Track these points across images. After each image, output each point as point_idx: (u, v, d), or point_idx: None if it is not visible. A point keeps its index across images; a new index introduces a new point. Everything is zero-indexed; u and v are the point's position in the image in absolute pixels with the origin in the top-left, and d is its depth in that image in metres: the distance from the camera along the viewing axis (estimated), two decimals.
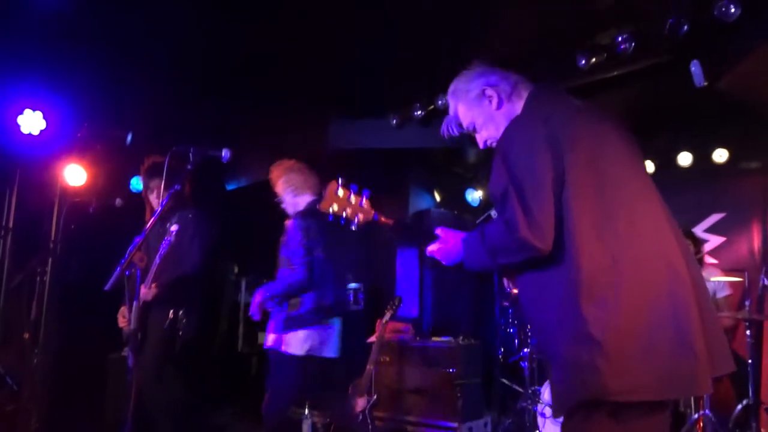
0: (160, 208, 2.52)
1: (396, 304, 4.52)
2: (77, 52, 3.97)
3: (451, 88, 2.02)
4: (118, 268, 2.36)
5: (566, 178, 1.64)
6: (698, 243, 4.53)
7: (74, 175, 4.76)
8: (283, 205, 3.81)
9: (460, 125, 2.03)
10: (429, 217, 6.28)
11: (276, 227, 6.65)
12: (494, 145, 1.93)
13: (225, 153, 2.78)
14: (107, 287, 2.37)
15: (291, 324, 3.44)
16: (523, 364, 4.48)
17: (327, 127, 5.64)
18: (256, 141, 5.23)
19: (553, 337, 1.63)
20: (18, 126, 4.28)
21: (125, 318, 3.62)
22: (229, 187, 6.50)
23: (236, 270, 6.04)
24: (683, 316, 1.59)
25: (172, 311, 3.47)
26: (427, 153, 5.58)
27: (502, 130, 1.85)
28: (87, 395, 4.62)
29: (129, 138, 4.75)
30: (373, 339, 4.49)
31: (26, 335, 4.60)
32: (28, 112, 4.30)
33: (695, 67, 3.81)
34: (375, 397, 4.25)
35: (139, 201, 4.70)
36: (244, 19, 3.76)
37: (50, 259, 4.69)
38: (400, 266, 6.38)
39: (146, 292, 3.41)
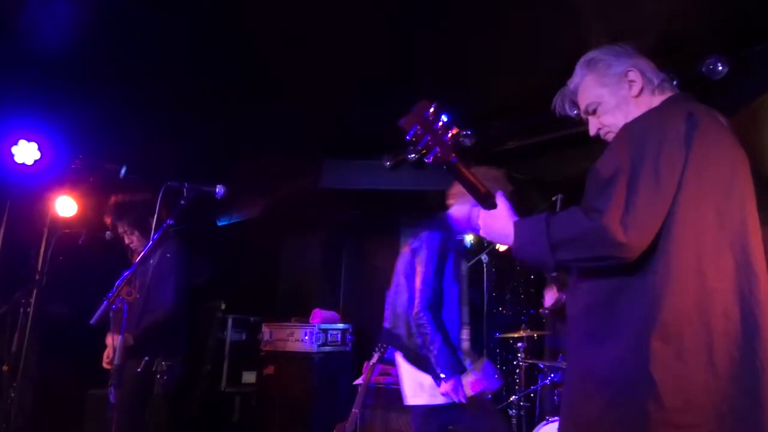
0: (151, 242, 2.51)
1: (384, 346, 4.47)
2: (75, 85, 4.01)
3: (588, 56, 1.73)
4: (105, 302, 2.33)
5: (685, 188, 1.39)
6: None
7: (65, 206, 4.74)
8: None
9: (575, 104, 1.76)
10: None
11: (265, 265, 6.64)
12: (608, 135, 1.70)
13: (219, 189, 2.79)
14: (93, 321, 2.33)
15: None
16: (511, 412, 4.42)
17: (320, 166, 5.68)
18: (248, 178, 5.25)
19: (607, 363, 1.42)
20: (12, 155, 4.28)
21: (109, 359, 3.57)
22: (220, 223, 6.49)
23: (223, 307, 5.97)
24: (759, 393, 1.36)
25: (146, 358, 3.35)
26: (420, 195, 5.61)
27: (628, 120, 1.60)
28: (65, 430, 4.50)
29: (123, 171, 4.75)
30: (359, 381, 4.42)
31: (5, 367, 4.49)
32: (23, 142, 4.31)
33: None
34: None
35: None
36: (240, 57, 3.82)
37: (35, 291, 4.61)
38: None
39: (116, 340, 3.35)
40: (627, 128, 1.51)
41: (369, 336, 5.73)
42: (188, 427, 5.02)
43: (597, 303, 1.47)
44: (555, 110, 1.82)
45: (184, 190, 2.67)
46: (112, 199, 3.60)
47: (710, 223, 1.42)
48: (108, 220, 3.70)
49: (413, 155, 5.14)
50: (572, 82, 1.76)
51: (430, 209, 6.49)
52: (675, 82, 3.56)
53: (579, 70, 1.75)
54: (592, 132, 1.74)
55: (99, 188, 4.92)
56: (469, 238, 6.37)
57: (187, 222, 2.95)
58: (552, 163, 4.91)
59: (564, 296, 1.77)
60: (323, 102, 4.41)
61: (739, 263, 1.43)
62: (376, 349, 4.45)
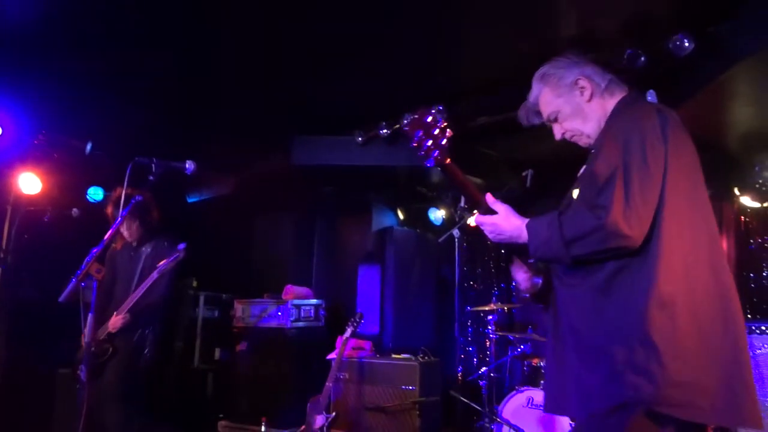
0: (120, 219, 2.48)
1: (357, 320, 4.52)
2: (37, 59, 3.89)
3: (541, 71, 1.93)
4: (74, 279, 2.30)
5: (668, 177, 1.60)
6: None
7: (29, 183, 4.62)
8: None
9: (539, 113, 1.96)
10: (392, 235, 6.32)
11: (236, 242, 6.60)
12: (573, 138, 1.91)
13: (189, 165, 2.76)
14: (62, 299, 2.31)
15: None
16: (482, 383, 4.52)
17: (291, 142, 5.63)
18: (218, 155, 5.19)
19: (606, 334, 1.58)
20: None
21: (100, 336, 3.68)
22: (191, 200, 6.42)
23: (195, 284, 5.94)
24: (741, 350, 1.59)
25: (138, 332, 3.64)
26: (391, 172, 5.62)
27: (587, 126, 1.85)
28: (35, 410, 4.46)
29: (89, 148, 4.65)
30: (333, 356, 4.47)
31: None
32: None
33: (651, 97, 3.95)
34: (333, 414, 4.22)
35: (95, 211, 4.60)
36: (209, 33, 3.75)
37: (1, 270, 4.52)
38: (362, 283, 6.38)
39: (116, 320, 3.60)
40: (611, 131, 1.72)
41: (342, 311, 5.78)
42: (161, 404, 5.02)
43: (597, 283, 1.63)
44: (522, 121, 2.02)
45: (153, 165, 2.64)
46: (117, 191, 3.72)
47: (688, 207, 1.64)
48: (109, 210, 3.83)
49: (385, 131, 5.13)
50: (532, 96, 1.96)
51: (400, 186, 6.54)
52: (641, 60, 3.61)
53: (535, 84, 1.95)
54: (557, 137, 1.95)
55: (63, 165, 4.81)
56: (439, 214, 6.44)
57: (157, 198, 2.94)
58: (522, 139, 4.96)
59: (539, 280, 1.90)
60: (294, 78, 4.36)
61: (710, 240, 1.66)
62: (349, 323, 4.50)
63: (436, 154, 1.77)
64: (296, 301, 5.23)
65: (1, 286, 4.53)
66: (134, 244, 3.90)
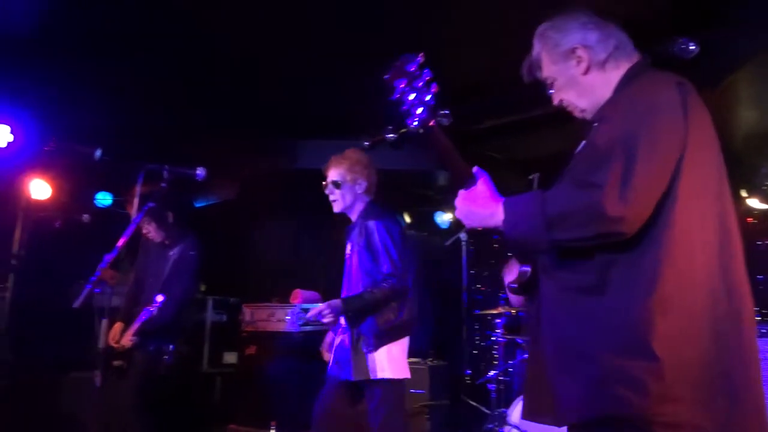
0: (133, 225, 2.51)
1: None
2: (46, 67, 3.95)
3: (541, 29, 1.70)
4: (89, 286, 2.32)
5: (686, 156, 1.36)
6: None
7: (39, 189, 4.68)
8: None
9: (541, 69, 1.72)
10: None
11: (245, 246, 6.63)
12: (568, 108, 1.68)
13: (200, 172, 2.80)
14: (77, 304, 2.33)
15: None
16: (490, 386, 4.53)
17: (297, 146, 5.66)
18: (225, 159, 5.22)
19: (594, 337, 1.37)
20: None
21: (115, 339, 3.72)
22: (198, 204, 6.46)
23: (203, 288, 5.97)
24: (752, 361, 1.38)
25: (154, 345, 3.66)
26: (398, 175, 5.64)
27: (581, 99, 1.63)
28: (45, 413, 4.49)
29: (98, 154, 4.68)
30: None
31: None
32: None
33: None
34: None
35: (105, 217, 4.64)
36: (215, 37, 3.79)
37: (12, 275, 4.56)
38: None
39: (125, 339, 3.63)
40: (619, 101, 1.49)
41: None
42: (170, 409, 5.05)
43: (587, 278, 1.40)
44: (524, 75, 1.77)
45: (164, 172, 2.66)
46: (135, 189, 3.75)
47: (704, 193, 1.40)
48: (130, 210, 3.82)
49: (391, 135, 5.15)
50: (534, 52, 1.73)
51: (406, 189, 6.56)
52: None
53: (535, 42, 1.73)
54: (554, 101, 1.72)
55: (73, 171, 4.86)
56: (446, 217, 6.45)
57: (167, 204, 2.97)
58: (528, 141, 4.97)
59: (527, 269, 1.62)
60: (299, 82, 4.40)
61: (722, 239, 1.41)
62: None
63: (419, 111, 1.51)
64: (304, 305, 5.25)
65: (13, 290, 4.58)
66: (165, 242, 3.94)
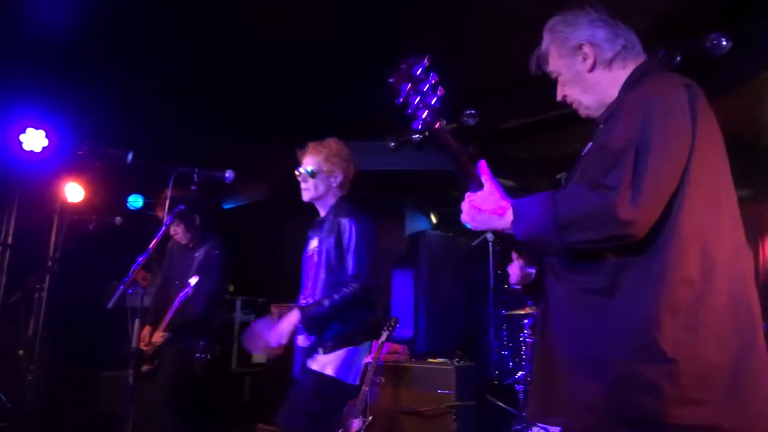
0: (164, 228, 2.55)
1: (393, 324, 4.54)
2: (79, 73, 4.05)
3: (552, 22, 1.70)
4: (122, 287, 2.37)
5: (694, 159, 1.37)
6: None
7: (73, 192, 4.80)
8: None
9: (548, 63, 1.73)
10: (425, 239, 6.33)
11: (272, 247, 6.69)
12: (572, 105, 1.70)
13: (229, 174, 2.83)
14: (110, 305, 2.38)
15: None
16: (517, 387, 4.50)
17: None
18: (253, 161, 5.28)
19: (606, 342, 1.36)
20: (20, 144, 4.32)
21: (145, 342, 3.78)
22: (226, 206, 6.54)
23: (231, 289, 6.05)
24: (763, 359, 1.37)
25: (184, 342, 3.70)
26: (424, 176, 5.64)
27: (585, 96, 1.64)
28: (78, 413, 4.60)
29: (130, 157, 4.78)
30: (368, 359, 4.50)
31: (21, 352, 4.59)
32: (30, 130, 4.35)
33: None
34: (370, 418, 4.25)
35: (137, 219, 4.73)
36: (243, 43, 3.84)
37: (48, 277, 4.69)
38: (396, 287, 6.40)
39: (157, 336, 3.71)
40: (627, 102, 1.48)
41: (377, 315, 5.80)
42: (199, 408, 5.12)
43: (599, 281, 1.40)
44: (532, 68, 1.78)
45: (195, 175, 2.71)
46: (165, 192, 3.83)
47: (713, 199, 1.41)
48: (159, 213, 3.92)
49: (417, 136, 5.16)
50: (543, 45, 1.74)
51: (432, 189, 6.55)
52: (676, 60, 3.56)
53: (545, 35, 1.73)
54: (558, 96, 1.73)
55: (106, 174, 4.97)
56: None
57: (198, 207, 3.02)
58: (554, 141, 4.93)
59: (533, 270, 1.63)
60: (325, 83, 4.43)
61: (735, 242, 1.42)
62: (385, 327, 4.53)
63: (424, 114, 1.53)
64: None
65: (49, 292, 4.71)
66: (190, 245, 4.00)
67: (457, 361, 4.63)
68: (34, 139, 4.38)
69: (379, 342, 4.45)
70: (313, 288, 2.93)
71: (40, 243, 4.84)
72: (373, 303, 2.92)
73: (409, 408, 4.44)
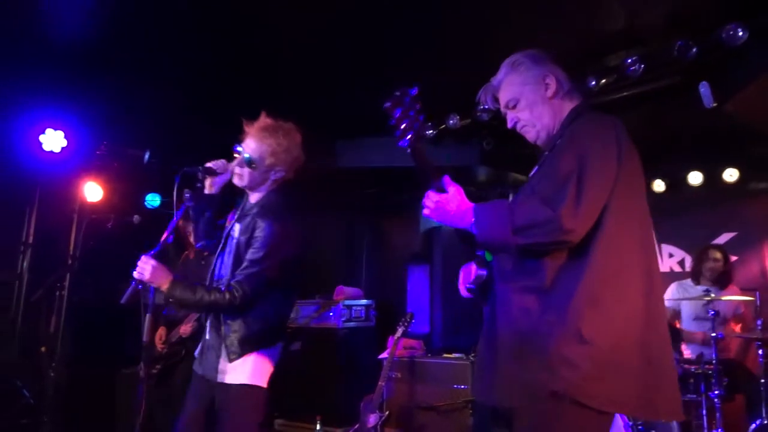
0: (174, 222, 2.56)
1: (408, 320, 4.56)
2: (98, 74, 4.10)
3: (514, 57, 1.97)
4: (133, 282, 2.40)
5: (617, 186, 1.69)
6: (728, 259, 4.57)
7: (92, 191, 4.87)
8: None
9: (496, 100, 2.00)
10: (439, 235, 6.33)
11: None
12: (522, 129, 1.95)
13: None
14: (123, 300, 2.41)
15: None
16: None
17: (334, 145, 5.71)
18: None
19: (544, 329, 1.65)
20: (40, 144, 4.39)
21: (161, 340, 3.82)
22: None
23: None
24: (663, 348, 1.70)
25: None
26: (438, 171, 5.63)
27: (542, 119, 1.90)
28: (99, 409, 4.67)
29: (146, 156, 4.85)
30: (384, 355, 4.53)
31: (43, 349, 4.67)
32: (49, 131, 4.42)
33: (704, 89, 3.86)
34: (387, 413, 4.28)
35: (155, 218, 4.79)
36: (257, 44, 3.86)
37: (68, 275, 4.77)
38: (411, 283, 6.42)
39: (186, 327, 3.77)
40: (573, 135, 1.78)
41: (391, 311, 5.83)
42: None
43: (541, 282, 1.70)
44: (479, 101, 2.04)
45: (199, 174, 2.71)
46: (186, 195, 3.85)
47: (628, 214, 1.72)
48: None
49: (430, 131, 5.16)
50: (496, 79, 1.99)
51: None
52: (692, 51, 3.53)
53: (504, 68, 1.98)
54: (509, 125, 1.98)
55: (123, 174, 5.04)
56: None
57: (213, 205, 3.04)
58: None
59: (484, 272, 1.92)
60: (335, 82, 4.44)
61: (644, 245, 1.75)
62: (400, 323, 4.55)
63: (410, 136, 1.87)
64: (347, 302, 5.32)
65: (69, 290, 4.79)
66: (205, 252, 4.03)
67: (473, 356, 4.63)
68: (53, 140, 4.45)
69: (395, 338, 4.48)
70: (220, 270, 2.75)
71: (60, 242, 4.92)
72: (285, 303, 2.79)
73: (425, 403, 4.46)
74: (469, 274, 1.98)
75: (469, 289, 1.97)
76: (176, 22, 3.61)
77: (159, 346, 3.91)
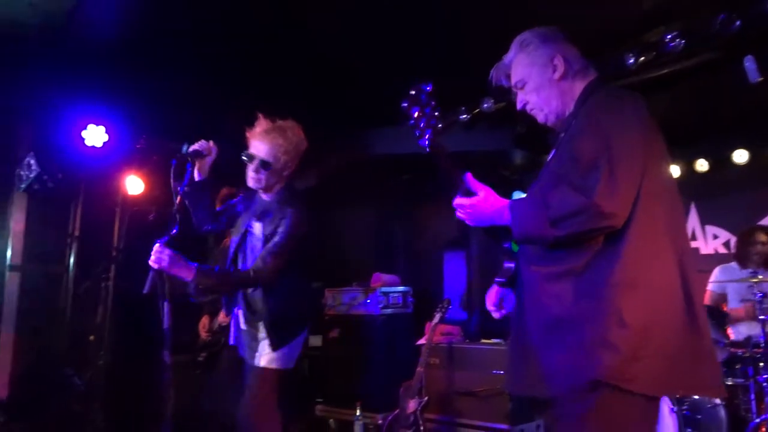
0: (175, 213, 2.63)
1: (445, 306, 4.56)
2: (137, 69, 4.18)
3: (522, 37, 1.92)
4: (152, 271, 2.45)
5: (646, 163, 1.63)
6: None
7: (133, 185, 4.99)
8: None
9: (509, 77, 1.95)
10: None
11: (325, 233, 6.77)
12: (532, 111, 1.92)
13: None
14: (145, 290, 2.46)
15: None
16: None
17: (367, 133, 5.71)
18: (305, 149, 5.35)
19: (577, 313, 1.62)
20: (82, 140, 4.52)
21: (205, 329, 3.90)
22: None
23: None
24: (701, 327, 1.65)
25: None
26: (473, 156, 5.59)
27: (550, 103, 1.86)
28: (146, 394, 4.80)
29: (184, 149, 4.93)
30: (422, 341, 4.54)
31: (92, 338, 4.83)
32: (91, 126, 4.53)
33: (749, 63, 3.73)
34: (426, 398, 4.29)
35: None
36: (292, 36, 3.88)
37: (113, 266, 4.91)
38: (447, 269, 6.40)
39: (223, 315, 3.80)
40: (590, 116, 1.71)
41: (428, 298, 5.83)
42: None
43: (574, 268, 1.65)
44: (491, 80, 2.00)
45: (189, 157, 2.76)
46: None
47: (660, 193, 1.67)
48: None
49: (464, 116, 5.11)
50: (507, 57, 1.94)
51: (482, 170, 6.47)
52: (735, 25, 3.41)
53: (513, 47, 1.93)
54: (518, 106, 1.93)
55: (163, 166, 5.13)
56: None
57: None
58: None
59: (513, 265, 1.88)
60: (371, 67, 4.43)
61: (677, 226, 1.72)
62: (438, 309, 4.55)
63: (428, 135, 1.81)
64: (384, 289, 5.33)
65: (115, 280, 4.93)
66: None
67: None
68: (95, 135, 4.56)
69: (433, 324, 4.48)
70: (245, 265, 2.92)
71: (104, 235, 5.06)
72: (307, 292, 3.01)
73: (464, 389, 4.46)
74: (492, 296, 1.99)
75: (500, 284, 1.95)
76: (213, 17, 3.65)
77: (203, 334, 3.99)
